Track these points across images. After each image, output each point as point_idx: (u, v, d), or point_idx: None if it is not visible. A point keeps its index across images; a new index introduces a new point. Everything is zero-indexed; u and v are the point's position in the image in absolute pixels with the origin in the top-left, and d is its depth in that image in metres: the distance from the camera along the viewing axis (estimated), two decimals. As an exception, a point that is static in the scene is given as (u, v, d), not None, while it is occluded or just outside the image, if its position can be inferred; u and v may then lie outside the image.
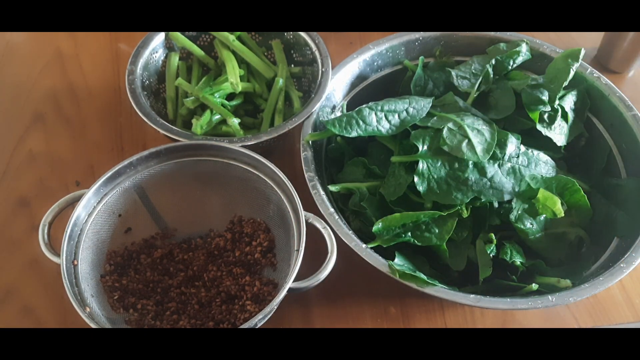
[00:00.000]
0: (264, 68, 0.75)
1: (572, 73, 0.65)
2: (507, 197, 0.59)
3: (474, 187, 0.58)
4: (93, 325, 0.50)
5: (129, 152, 0.75)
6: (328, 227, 0.56)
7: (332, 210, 0.58)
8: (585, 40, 0.90)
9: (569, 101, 0.67)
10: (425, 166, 0.59)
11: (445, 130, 0.60)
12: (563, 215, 0.58)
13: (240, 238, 0.64)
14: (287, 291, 0.52)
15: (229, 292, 0.60)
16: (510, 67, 0.70)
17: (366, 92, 0.73)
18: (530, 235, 0.60)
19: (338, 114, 0.70)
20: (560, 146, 0.65)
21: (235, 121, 0.70)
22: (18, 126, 0.78)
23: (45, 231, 0.55)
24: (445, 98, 0.68)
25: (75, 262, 0.55)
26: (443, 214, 0.58)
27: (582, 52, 0.66)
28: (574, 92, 0.68)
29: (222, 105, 0.72)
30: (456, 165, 0.59)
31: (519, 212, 0.59)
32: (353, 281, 0.65)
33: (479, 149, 0.59)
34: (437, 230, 0.58)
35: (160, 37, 0.74)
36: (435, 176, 0.59)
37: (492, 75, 0.69)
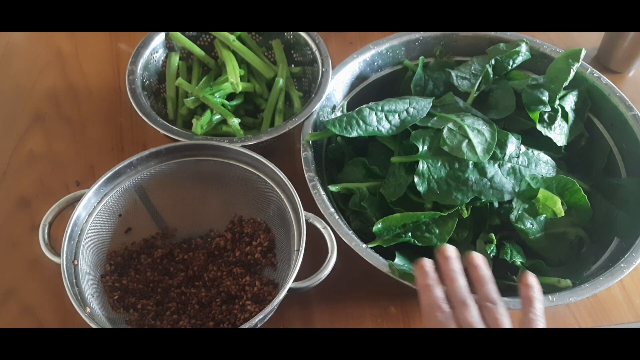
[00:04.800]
0: (264, 68, 0.75)
1: (572, 73, 0.65)
2: (507, 197, 0.59)
3: (474, 187, 0.58)
4: (93, 325, 0.50)
5: (129, 152, 0.75)
6: (328, 227, 0.56)
7: (332, 210, 0.58)
8: (585, 40, 0.90)
9: (569, 101, 0.67)
10: (425, 166, 0.59)
11: (445, 131, 0.60)
12: (563, 215, 0.58)
13: (240, 238, 0.64)
14: (288, 291, 0.52)
15: (229, 292, 0.60)
16: (510, 67, 0.70)
17: (366, 92, 0.73)
18: (531, 235, 0.60)
19: (338, 114, 0.70)
20: (561, 146, 0.65)
21: (235, 121, 0.70)
22: (18, 126, 0.78)
23: (46, 231, 0.56)
24: (445, 98, 0.68)
25: (76, 262, 0.55)
26: (443, 214, 0.58)
27: (583, 52, 0.66)
28: (574, 92, 0.68)
29: (223, 105, 0.72)
30: (456, 165, 0.59)
31: (519, 212, 0.59)
32: (353, 281, 0.65)
33: (479, 149, 0.59)
34: (437, 231, 0.58)
35: (160, 37, 0.74)
36: (436, 176, 0.59)
37: (492, 76, 0.69)
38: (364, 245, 0.56)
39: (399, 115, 0.63)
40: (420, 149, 0.60)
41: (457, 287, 0.48)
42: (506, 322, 0.45)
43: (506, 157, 0.60)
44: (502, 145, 0.60)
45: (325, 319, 0.63)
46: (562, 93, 0.66)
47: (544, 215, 0.59)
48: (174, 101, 0.75)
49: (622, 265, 0.55)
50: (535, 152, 0.62)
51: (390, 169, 0.63)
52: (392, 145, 0.65)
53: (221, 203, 0.66)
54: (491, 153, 0.59)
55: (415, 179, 0.59)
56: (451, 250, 0.50)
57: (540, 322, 0.46)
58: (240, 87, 0.71)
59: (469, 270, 0.50)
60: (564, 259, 0.62)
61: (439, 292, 0.48)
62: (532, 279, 0.48)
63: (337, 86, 0.70)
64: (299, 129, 0.65)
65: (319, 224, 0.57)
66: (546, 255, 0.61)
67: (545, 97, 0.64)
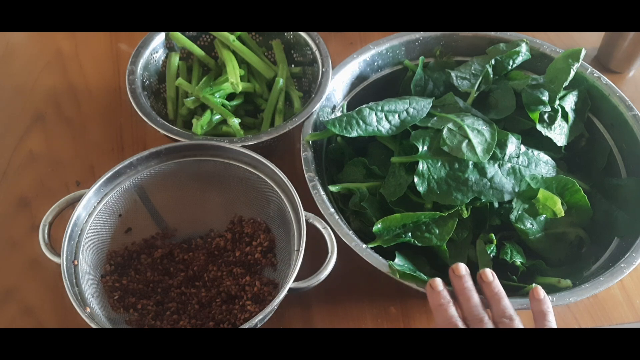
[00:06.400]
0: (264, 68, 0.75)
1: (572, 73, 0.65)
2: (507, 198, 0.59)
3: (474, 188, 0.58)
4: (93, 325, 0.50)
5: (129, 152, 0.75)
6: (328, 227, 0.56)
7: (332, 210, 0.58)
8: (585, 40, 0.90)
9: (569, 101, 0.67)
10: (425, 167, 0.59)
11: (445, 131, 0.60)
12: (563, 215, 0.58)
13: (240, 238, 0.64)
14: (288, 291, 0.52)
15: (229, 292, 0.60)
16: (510, 67, 0.70)
17: (366, 92, 0.73)
18: (531, 236, 0.60)
19: (338, 114, 0.70)
20: (561, 146, 0.65)
21: (235, 121, 0.70)
22: (18, 126, 0.78)
23: (46, 231, 0.55)
24: (445, 98, 0.68)
25: (76, 262, 0.55)
26: (443, 214, 0.58)
27: (583, 52, 0.66)
28: (574, 92, 0.68)
29: (223, 105, 0.72)
30: (456, 165, 0.59)
31: (519, 212, 0.59)
32: (353, 281, 0.65)
33: (479, 149, 0.59)
34: (437, 231, 0.58)
35: (160, 37, 0.74)
36: (436, 177, 0.59)
37: (492, 76, 0.69)
38: (364, 246, 0.56)
39: (399, 115, 0.63)
40: (420, 149, 0.60)
41: (472, 306, 0.50)
42: None
43: (506, 157, 0.60)
44: (502, 145, 0.60)
45: (325, 319, 0.63)
46: (562, 93, 0.66)
47: (544, 215, 0.59)
48: (174, 101, 0.75)
49: (622, 265, 0.55)
50: (535, 152, 0.62)
51: (390, 169, 0.63)
52: (392, 145, 0.65)
53: (221, 203, 0.66)
54: (491, 153, 0.59)
55: (415, 179, 0.58)
56: (463, 268, 0.53)
57: None
58: (240, 87, 0.71)
59: (482, 287, 0.52)
60: (564, 259, 0.62)
61: (452, 311, 0.50)
62: (542, 292, 0.51)
63: (337, 86, 0.70)
64: (299, 129, 0.65)
65: (319, 224, 0.57)
66: (546, 255, 0.61)
67: (545, 97, 0.64)
